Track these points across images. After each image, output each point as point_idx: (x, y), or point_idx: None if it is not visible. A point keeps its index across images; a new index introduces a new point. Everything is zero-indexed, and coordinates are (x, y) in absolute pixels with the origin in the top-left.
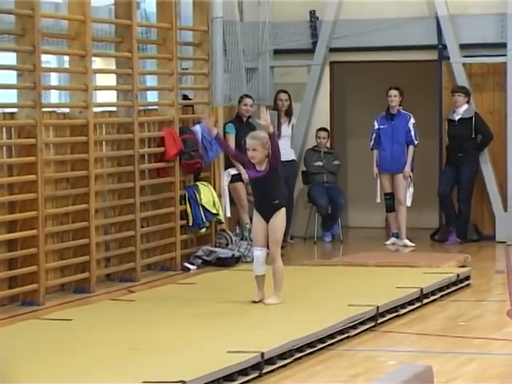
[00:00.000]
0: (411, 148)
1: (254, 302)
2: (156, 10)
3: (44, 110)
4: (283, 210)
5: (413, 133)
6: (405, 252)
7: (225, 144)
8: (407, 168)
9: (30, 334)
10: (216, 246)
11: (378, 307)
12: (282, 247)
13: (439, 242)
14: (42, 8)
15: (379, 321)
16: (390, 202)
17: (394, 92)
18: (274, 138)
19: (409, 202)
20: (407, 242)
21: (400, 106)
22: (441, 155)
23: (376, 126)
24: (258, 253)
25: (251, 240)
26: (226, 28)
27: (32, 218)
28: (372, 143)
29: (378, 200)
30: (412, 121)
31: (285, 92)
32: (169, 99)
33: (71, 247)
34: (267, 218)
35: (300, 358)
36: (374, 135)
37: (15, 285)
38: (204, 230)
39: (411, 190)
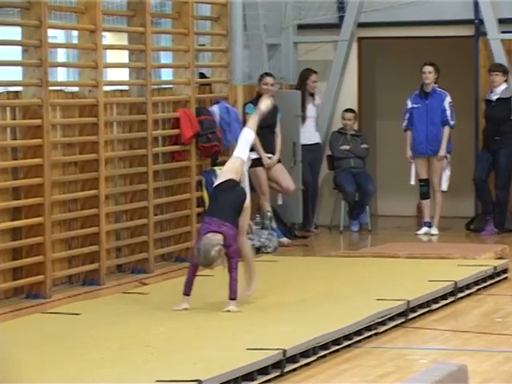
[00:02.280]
0: (447, 129)
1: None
2: None
3: (51, 88)
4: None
5: (448, 112)
6: (438, 242)
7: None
8: (442, 150)
9: (35, 328)
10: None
11: (408, 302)
12: (306, 237)
13: (475, 232)
14: None
15: (410, 316)
16: (425, 188)
17: (428, 68)
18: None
19: (445, 186)
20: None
21: (435, 83)
22: (477, 138)
23: (409, 105)
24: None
25: (272, 229)
26: (246, 1)
27: (38, 204)
28: (405, 124)
29: (413, 182)
30: (448, 99)
31: (315, 72)
32: (184, 77)
33: (79, 236)
34: None
35: (324, 356)
36: (407, 115)
37: (20, 276)
38: None
39: (448, 172)
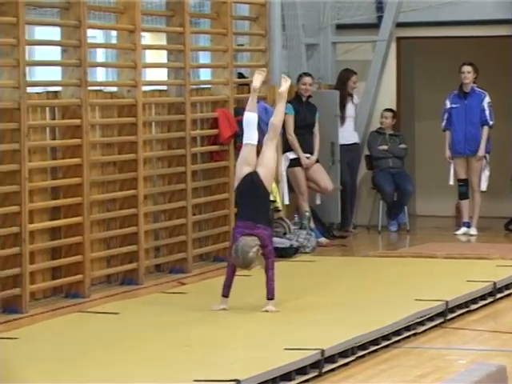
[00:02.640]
0: (485, 129)
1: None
2: None
3: (90, 88)
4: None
5: (487, 112)
6: (477, 243)
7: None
8: (481, 150)
9: (73, 328)
10: (273, 236)
11: (447, 302)
12: (344, 237)
13: None
14: None
15: (448, 317)
16: (464, 188)
17: (467, 68)
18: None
19: (484, 186)
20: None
21: (474, 83)
22: None
23: (448, 105)
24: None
25: (311, 229)
26: (285, 1)
27: (76, 204)
28: (444, 124)
29: (452, 182)
30: (487, 99)
31: (355, 73)
32: (223, 77)
33: (118, 236)
34: None
35: (363, 356)
36: (446, 115)
37: (59, 276)
38: None
39: (487, 173)
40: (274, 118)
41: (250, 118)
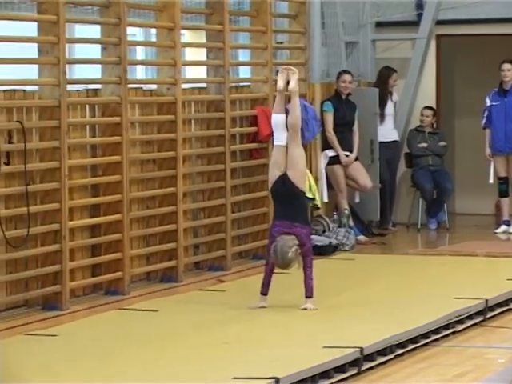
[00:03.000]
0: None
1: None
2: None
3: (129, 86)
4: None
5: None
6: None
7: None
8: None
9: (113, 325)
10: (312, 233)
11: (486, 300)
12: (383, 235)
13: None
14: None
15: (488, 315)
16: (504, 186)
17: (507, 66)
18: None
19: None
20: None
21: None
22: None
23: (488, 103)
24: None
25: (350, 227)
26: None
27: (116, 201)
28: (484, 122)
29: (491, 180)
30: None
31: (396, 71)
32: (262, 75)
33: (157, 233)
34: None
35: (402, 354)
36: (486, 113)
37: (98, 273)
38: None
39: None
40: (290, 117)
41: (278, 119)
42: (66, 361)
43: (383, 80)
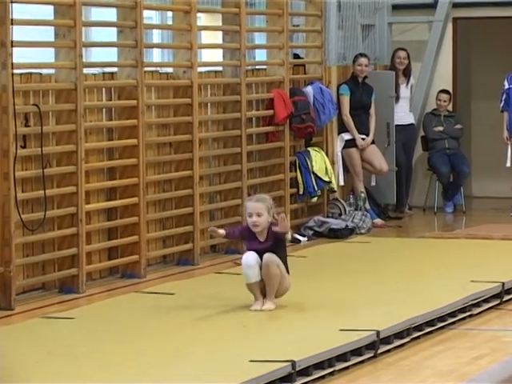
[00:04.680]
0: None
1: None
2: None
3: (146, 69)
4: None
5: None
6: None
7: (231, 234)
8: None
9: (129, 308)
10: (328, 217)
11: (503, 284)
12: (400, 218)
13: None
14: None
15: (505, 298)
16: None
17: None
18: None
19: None
20: None
21: None
22: None
23: (506, 86)
24: (249, 256)
25: (366, 210)
26: None
27: (132, 184)
28: (502, 105)
29: (509, 164)
30: None
31: (403, 50)
32: (278, 58)
33: (174, 216)
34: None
35: (418, 337)
36: (504, 96)
37: (115, 256)
38: (315, 199)
39: None
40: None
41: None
42: (84, 344)
43: (391, 60)
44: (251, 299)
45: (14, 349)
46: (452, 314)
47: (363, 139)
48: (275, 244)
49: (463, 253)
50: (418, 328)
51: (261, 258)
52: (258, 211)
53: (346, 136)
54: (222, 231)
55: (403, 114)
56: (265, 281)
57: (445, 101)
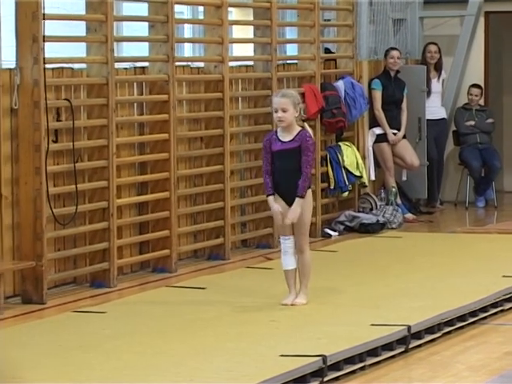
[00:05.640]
0: None
1: (285, 304)
2: None
3: (177, 64)
4: (309, 193)
5: None
6: None
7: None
8: None
9: (160, 302)
10: (359, 211)
11: None
12: (431, 213)
13: None
14: None
15: None
16: None
17: None
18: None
19: None
20: None
21: None
22: None
23: None
24: (286, 243)
25: (397, 205)
26: None
27: (164, 179)
28: None
29: None
30: None
31: (434, 44)
32: (310, 53)
33: (205, 211)
34: (290, 201)
35: (449, 332)
36: None
37: (146, 250)
38: (346, 193)
39: None
40: None
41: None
42: (115, 338)
43: (423, 54)
44: (283, 293)
45: (45, 342)
46: (483, 309)
47: (395, 134)
48: (299, 147)
49: (495, 248)
50: (450, 323)
51: (285, 159)
52: (283, 106)
53: (378, 131)
54: (278, 207)
55: (435, 109)
56: (299, 270)
57: (476, 95)
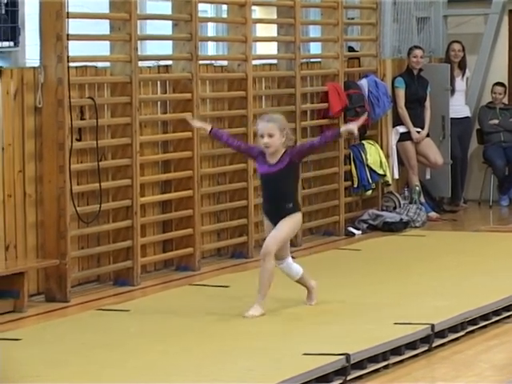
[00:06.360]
0: None
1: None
2: None
3: (200, 62)
4: (298, 215)
5: None
6: None
7: (224, 137)
8: None
9: (184, 300)
10: (383, 210)
11: None
12: (455, 211)
13: None
14: None
15: None
16: None
17: None
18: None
19: None
20: None
21: None
22: None
23: None
24: (282, 266)
25: (421, 203)
26: None
27: (187, 177)
28: None
29: None
30: None
31: (458, 42)
32: (333, 51)
33: (228, 209)
34: (276, 222)
35: (473, 331)
36: None
37: (169, 248)
38: (370, 192)
39: None
40: None
41: None
42: (139, 336)
43: (446, 53)
44: (304, 291)
45: (68, 340)
46: (507, 308)
47: (418, 132)
48: (287, 168)
49: None
50: (473, 322)
51: (271, 182)
52: (270, 131)
53: (401, 129)
54: (208, 127)
55: (459, 107)
56: (259, 277)
57: (500, 93)
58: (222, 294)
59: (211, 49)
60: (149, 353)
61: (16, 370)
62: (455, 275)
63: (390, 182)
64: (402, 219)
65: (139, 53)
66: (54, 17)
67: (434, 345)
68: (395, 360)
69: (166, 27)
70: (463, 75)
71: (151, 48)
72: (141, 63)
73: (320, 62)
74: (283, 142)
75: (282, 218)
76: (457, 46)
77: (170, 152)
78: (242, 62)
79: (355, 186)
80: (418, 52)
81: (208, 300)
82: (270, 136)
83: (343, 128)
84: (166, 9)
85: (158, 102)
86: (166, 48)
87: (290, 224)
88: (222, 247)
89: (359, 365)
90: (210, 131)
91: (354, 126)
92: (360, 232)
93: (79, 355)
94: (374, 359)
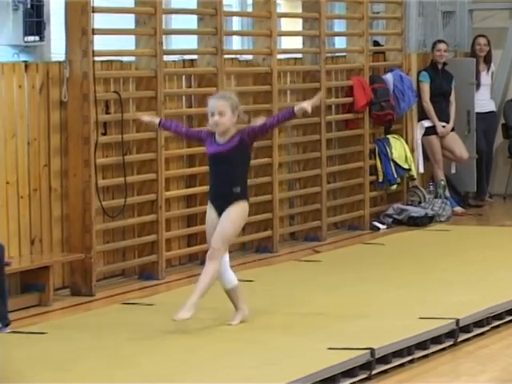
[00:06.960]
0: None
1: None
2: None
3: (225, 56)
4: (244, 204)
5: None
6: None
7: (172, 127)
8: None
9: (209, 294)
10: (408, 204)
11: None
12: (480, 206)
13: None
14: None
15: None
16: None
17: None
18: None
19: None
20: None
21: None
22: None
23: None
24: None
25: (446, 198)
26: None
27: None
28: None
29: None
30: None
31: (483, 36)
32: (358, 45)
33: (253, 203)
34: (222, 210)
35: (498, 326)
36: None
37: (194, 243)
38: (395, 186)
39: None
40: None
41: None
42: (163, 330)
43: (472, 47)
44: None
45: (93, 334)
46: None
47: (443, 126)
48: (237, 147)
49: None
50: (498, 317)
51: (220, 163)
52: (221, 109)
53: (426, 123)
54: (155, 120)
55: (484, 102)
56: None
57: None
58: (246, 289)
59: (236, 43)
60: (172, 347)
61: (41, 363)
62: (480, 270)
63: (415, 176)
64: (427, 214)
65: (164, 47)
66: (79, 11)
67: (459, 339)
68: (420, 354)
69: (191, 21)
70: (488, 69)
71: (176, 42)
72: (166, 57)
73: (345, 57)
74: (234, 121)
75: (229, 204)
76: (482, 41)
77: (195, 146)
78: (266, 56)
79: (380, 180)
80: (441, 46)
81: None
82: (221, 114)
83: (297, 107)
84: (192, 3)
85: (183, 97)
86: (191, 42)
87: (235, 218)
88: (246, 241)
89: (384, 359)
90: (159, 124)
91: (307, 105)
92: (385, 226)
93: (103, 349)
94: (398, 354)
